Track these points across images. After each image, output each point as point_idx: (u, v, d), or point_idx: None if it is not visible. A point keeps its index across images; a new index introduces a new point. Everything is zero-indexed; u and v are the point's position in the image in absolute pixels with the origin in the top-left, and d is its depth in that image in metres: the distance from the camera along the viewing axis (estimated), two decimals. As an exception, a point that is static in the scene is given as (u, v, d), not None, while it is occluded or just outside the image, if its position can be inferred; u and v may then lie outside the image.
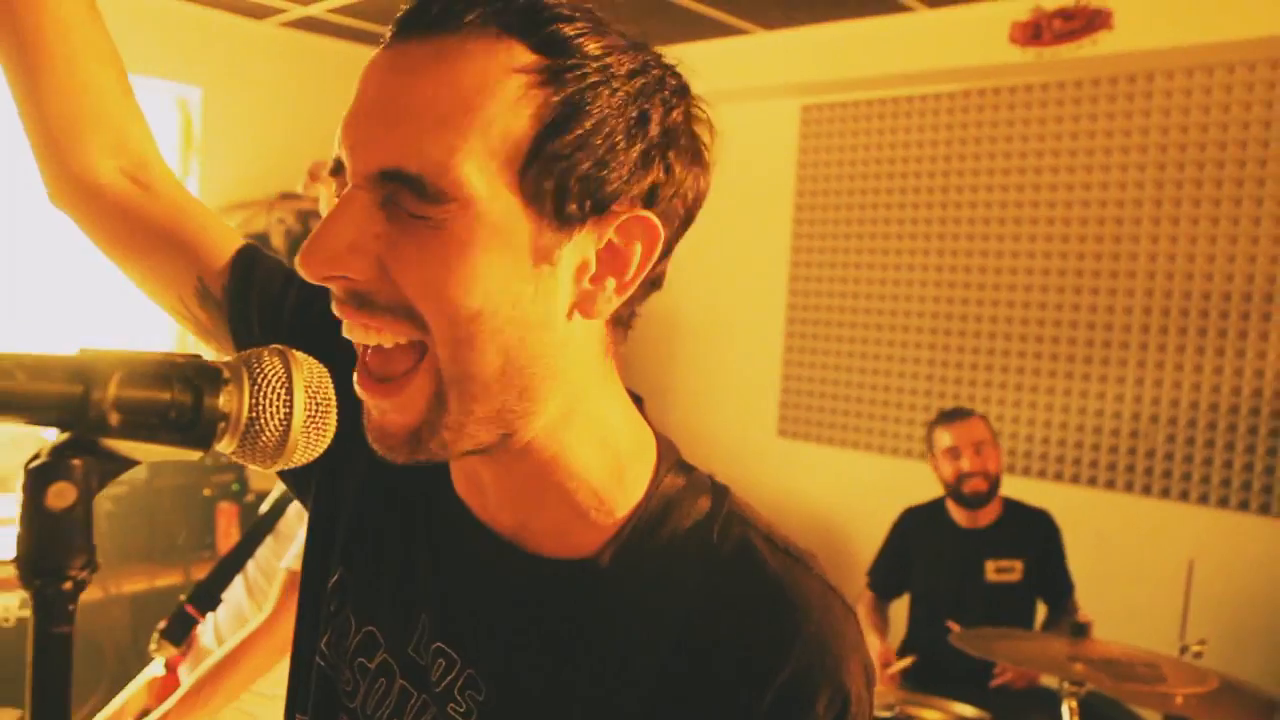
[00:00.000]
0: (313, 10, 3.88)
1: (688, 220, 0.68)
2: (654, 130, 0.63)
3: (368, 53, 0.64)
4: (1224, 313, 3.21)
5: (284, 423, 0.55)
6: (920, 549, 3.07)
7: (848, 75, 3.83)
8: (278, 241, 3.83)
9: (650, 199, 0.64)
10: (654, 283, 0.69)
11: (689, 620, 0.67)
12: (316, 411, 0.57)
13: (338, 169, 0.63)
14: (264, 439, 0.55)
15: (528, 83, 0.59)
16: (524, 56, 0.60)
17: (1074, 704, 2.11)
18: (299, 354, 0.58)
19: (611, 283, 0.65)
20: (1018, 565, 2.91)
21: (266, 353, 0.56)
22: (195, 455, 0.54)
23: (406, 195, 0.59)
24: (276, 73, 4.17)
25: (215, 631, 2.15)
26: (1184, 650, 2.36)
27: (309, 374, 0.57)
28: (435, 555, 0.75)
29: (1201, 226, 3.23)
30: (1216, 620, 2.76)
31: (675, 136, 0.65)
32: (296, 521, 2.12)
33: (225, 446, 0.55)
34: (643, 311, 0.72)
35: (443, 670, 0.71)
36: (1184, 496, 3.26)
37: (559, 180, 0.60)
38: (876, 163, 3.94)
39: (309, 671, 0.80)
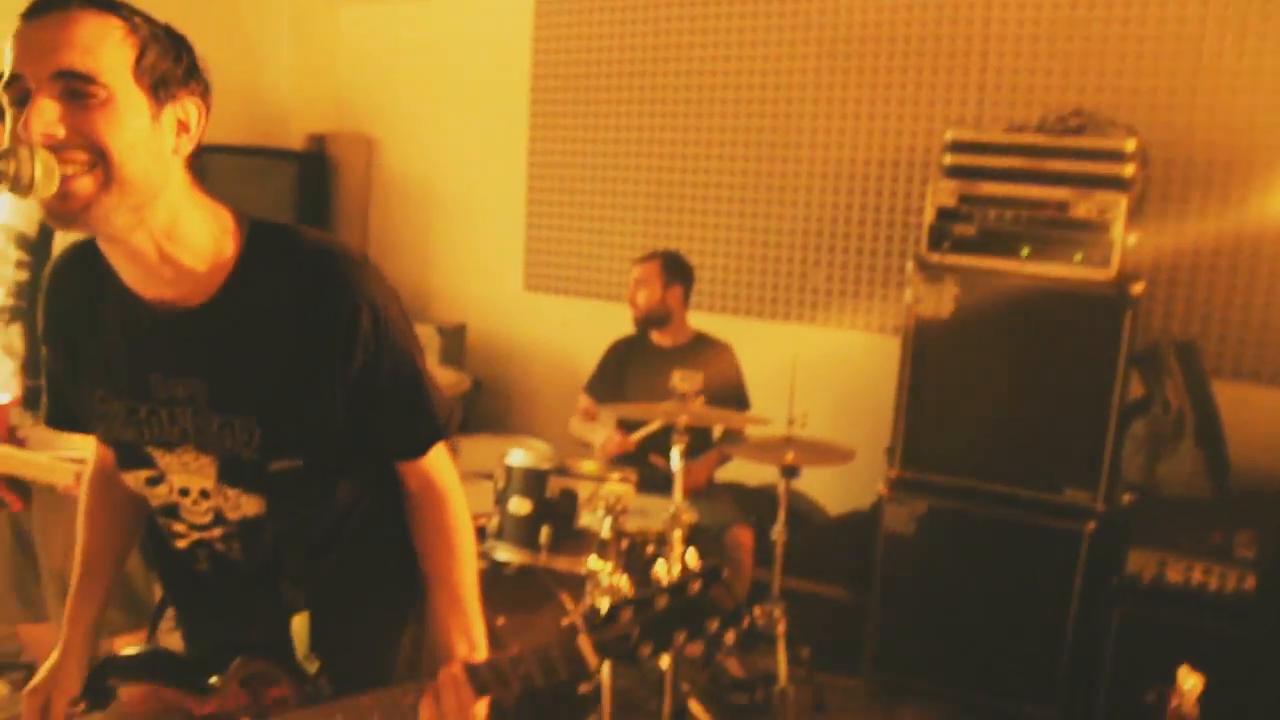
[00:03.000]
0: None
1: (208, 109, 1.26)
2: (186, 60, 1.23)
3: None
4: (873, 174, 4.00)
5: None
6: (629, 364, 3.84)
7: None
8: None
9: (194, 91, 1.23)
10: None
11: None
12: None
13: (10, 83, 1.12)
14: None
15: (124, 32, 1.15)
16: (114, 20, 1.15)
17: (682, 446, 2.90)
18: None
19: (185, 136, 1.22)
20: (698, 377, 3.64)
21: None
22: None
23: (78, 84, 1.11)
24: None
25: None
26: (791, 421, 3.15)
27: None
28: (117, 326, 1.32)
29: (850, 106, 4.01)
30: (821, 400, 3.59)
31: (192, 64, 1.24)
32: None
33: None
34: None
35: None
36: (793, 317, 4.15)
37: (151, 79, 1.17)
38: (601, 49, 4.52)
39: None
